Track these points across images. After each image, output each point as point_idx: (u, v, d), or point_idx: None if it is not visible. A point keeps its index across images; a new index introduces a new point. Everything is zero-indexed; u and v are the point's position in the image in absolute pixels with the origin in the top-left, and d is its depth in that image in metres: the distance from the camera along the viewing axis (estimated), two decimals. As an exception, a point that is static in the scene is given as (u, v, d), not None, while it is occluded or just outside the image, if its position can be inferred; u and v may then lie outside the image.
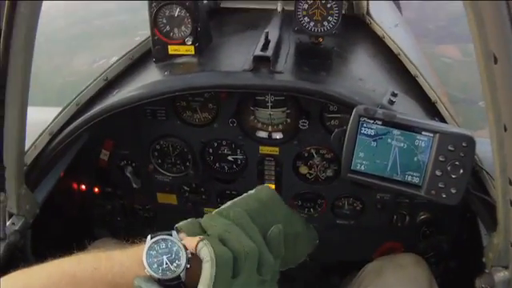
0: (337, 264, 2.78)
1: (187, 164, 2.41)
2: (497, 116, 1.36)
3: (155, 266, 1.18)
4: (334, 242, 2.46)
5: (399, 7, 4.90)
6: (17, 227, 1.88)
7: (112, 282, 1.20)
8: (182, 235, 1.24)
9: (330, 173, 2.32)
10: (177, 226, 1.27)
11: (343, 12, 2.03)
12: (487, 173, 1.79)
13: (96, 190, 2.61)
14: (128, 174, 2.45)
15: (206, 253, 1.14)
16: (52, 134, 2.07)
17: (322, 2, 2.00)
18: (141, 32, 2.27)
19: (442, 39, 7.63)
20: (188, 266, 1.19)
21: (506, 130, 1.38)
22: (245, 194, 1.42)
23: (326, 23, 2.02)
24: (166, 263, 1.18)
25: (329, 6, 2.00)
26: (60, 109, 2.13)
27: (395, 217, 2.36)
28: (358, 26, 2.60)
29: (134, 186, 2.47)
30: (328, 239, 2.43)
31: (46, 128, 2.08)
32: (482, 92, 1.36)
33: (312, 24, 2.03)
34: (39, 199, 2.03)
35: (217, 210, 1.34)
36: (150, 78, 2.08)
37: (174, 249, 1.20)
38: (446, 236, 2.38)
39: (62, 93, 6.45)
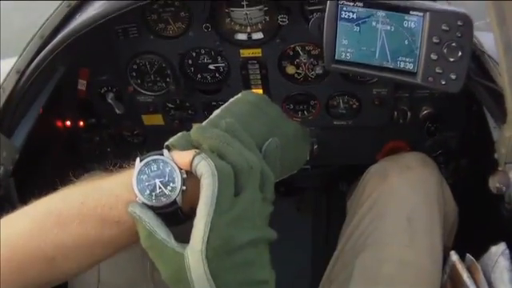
0: (344, 170, 2.73)
1: (167, 80, 2.30)
2: None
3: (147, 192, 1.04)
4: (334, 146, 2.41)
5: None
6: (-4, 177, 1.79)
7: (102, 214, 1.07)
8: (175, 152, 1.09)
9: (319, 70, 2.19)
10: (167, 142, 1.12)
11: None
12: (490, 57, 1.64)
13: (81, 123, 2.51)
14: (110, 101, 2.35)
15: (205, 168, 0.99)
16: (20, 72, 1.93)
17: None
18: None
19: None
20: (184, 187, 1.05)
21: None
22: (232, 99, 1.28)
23: None
24: (160, 187, 1.04)
25: None
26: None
27: (396, 113, 2.23)
28: None
29: (118, 111, 2.37)
30: (328, 143, 2.39)
31: (13, 67, 1.94)
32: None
33: None
34: (17, 144, 1.91)
35: (207, 120, 1.20)
36: None
37: (167, 170, 1.06)
38: (452, 132, 2.28)
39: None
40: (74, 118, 2.49)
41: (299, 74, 2.22)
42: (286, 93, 2.28)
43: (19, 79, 1.93)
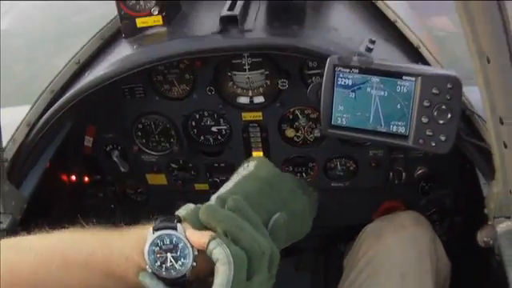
0: (342, 230, 2.71)
1: (171, 140, 2.35)
2: (478, 47, 1.28)
3: (158, 263, 1.09)
4: (331, 207, 2.39)
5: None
6: (5, 226, 1.83)
7: (109, 269, 1.12)
8: (186, 226, 1.14)
9: (317, 133, 2.25)
10: (180, 214, 1.17)
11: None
12: (479, 116, 1.70)
13: (86, 179, 2.54)
14: (115, 159, 2.39)
15: (221, 255, 1.04)
16: (30, 125, 2.00)
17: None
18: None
19: (433, 10, 7.23)
20: (194, 264, 1.10)
21: (489, 61, 1.30)
22: (244, 172, 1.33)
23: (294, -24, 1.93)
24: (171, 261, 1.09)
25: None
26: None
27: (391, 174, 2.28)
28: None
29: (122, 169, 2.40)
30: (325, 204, 2.38)
31: (23, 120, 2.00)
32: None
33: (281, -23, 1.95)
34: (25, 194, 1.96)
35: (216, 195, 1.25)
36: (121, 54, 2.01)
37: (180, 246, 1.10)
38: (446, 190, 2.30)
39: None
40: (79, 173, 2.52)
41: (298, 137, 2.27)
42: (285, 155, 2.33)
43: (29, 132, 1.99)
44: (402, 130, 1.59)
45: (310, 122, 2.22)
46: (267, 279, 1.10)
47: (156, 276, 1.08)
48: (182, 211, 1.17)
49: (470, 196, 2.03)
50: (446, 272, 1.99)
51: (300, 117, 2.21)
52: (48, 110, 2.00)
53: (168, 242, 1.09)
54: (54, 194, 2.42)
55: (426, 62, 1.88)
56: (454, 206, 2.33)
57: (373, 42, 1.70)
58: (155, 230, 1.11)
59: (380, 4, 2.17)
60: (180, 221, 1.14)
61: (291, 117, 2.22)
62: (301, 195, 1.36)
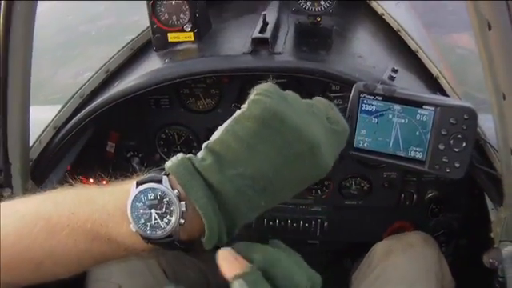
0: (349, 247, 2.77)
1: (193, 151, 2.34)
2: (495, 84, 1.36)
3: (142, 221, 0.97)
4: (343, 224, 2.50)
5: (402, -10, 4.86)
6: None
7: (92, 230, 1.01)
8: (172, 179, 1.02)
9: None
10: (166, 166, 1.05)
11: (343, -8, 2.02)
12: (491, 146, 1.77)
13: (104, 183, 2.57)
14: (134, 165, 2.43)
15: None
16: (56, 128, 2.05)
17: (317, -19, 1.98)
18: (128, 37, 2.29)
19: (453, 27, 7.06)
20: (182, 221, 0.97)
21: (504, 98, 1.38)
22: (239, 113, 1.14)
23: (322, 2, 2.00)
24: (155, 218, 0.97)
25: (325, -15, 1.99)
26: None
27: (403, 195, 2.34)
28: (357, 5, 2.58)
29: None
30: (338, 220, 2.50)
31: (51, 122, 2.06)
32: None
33: (309, 3, 2.01)
34: None
35: (204, 144, 1.09)
36: (151, 66, 2.07)
37: (165, 201, 0.98)
38: (455, 214, 2.37)
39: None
40: (97, 176, 2.56)
41: None
42: None
43: (55, 135, 2.05)
44: (419, 156, 1.65)
45: None
46: None
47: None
48: (168, 163, 1.04)
49: (477, 220, 2.08)
50: None
51: None
52: (75, 114, 2.06)
53: (152, 197, 0.98)
54: None
55: (444, 92, 1.95)
56: (460, 229, 2.39)
57: (395, 71, 1.78)
58: (139, 183, 1.00)
59: (403, 34, 2.25)
60: (167, 174, 1.02)
61: None
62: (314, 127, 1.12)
